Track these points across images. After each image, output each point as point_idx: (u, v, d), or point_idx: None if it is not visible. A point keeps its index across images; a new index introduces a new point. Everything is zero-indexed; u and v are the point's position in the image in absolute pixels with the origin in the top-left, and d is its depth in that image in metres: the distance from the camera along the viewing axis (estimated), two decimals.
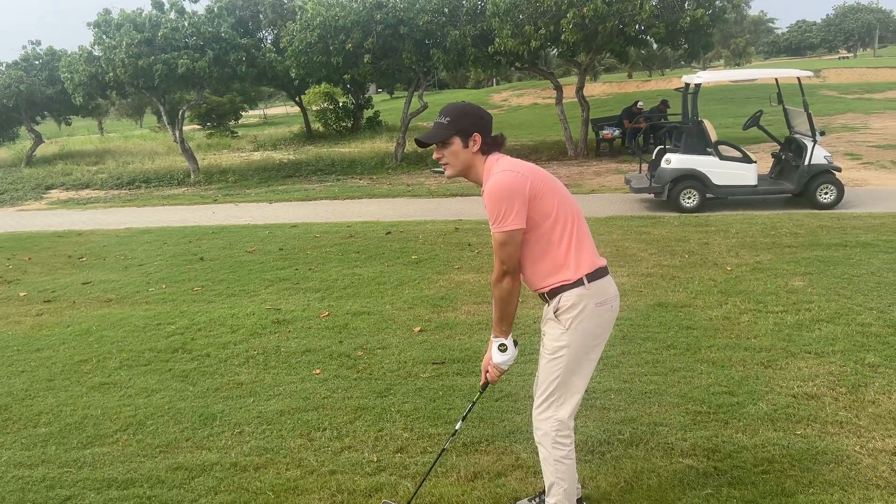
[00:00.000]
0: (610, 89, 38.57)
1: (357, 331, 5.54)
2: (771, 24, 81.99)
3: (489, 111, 2.64)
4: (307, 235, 9.63)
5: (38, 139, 23.63)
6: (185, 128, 17.34)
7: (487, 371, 2.70)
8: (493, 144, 2.53)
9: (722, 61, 70.17)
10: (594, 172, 14.14)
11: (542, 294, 2.56)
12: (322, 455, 3.55)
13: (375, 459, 3.47)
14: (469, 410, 3.01)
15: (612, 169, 14.27)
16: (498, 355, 2.60)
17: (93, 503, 3.23)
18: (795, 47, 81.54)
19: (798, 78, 9.31)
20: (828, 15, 75.52)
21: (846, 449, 3.28)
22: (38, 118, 25.00)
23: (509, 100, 38.79)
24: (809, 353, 4.50)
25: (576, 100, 16.70)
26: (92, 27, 15.39)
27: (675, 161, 9.55)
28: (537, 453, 2.65)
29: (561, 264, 2.48)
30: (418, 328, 5.49)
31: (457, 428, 3.00)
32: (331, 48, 15.20)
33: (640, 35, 14.17)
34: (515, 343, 2.65)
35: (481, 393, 2.89)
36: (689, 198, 9.55)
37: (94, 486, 3.38)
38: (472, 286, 6.60)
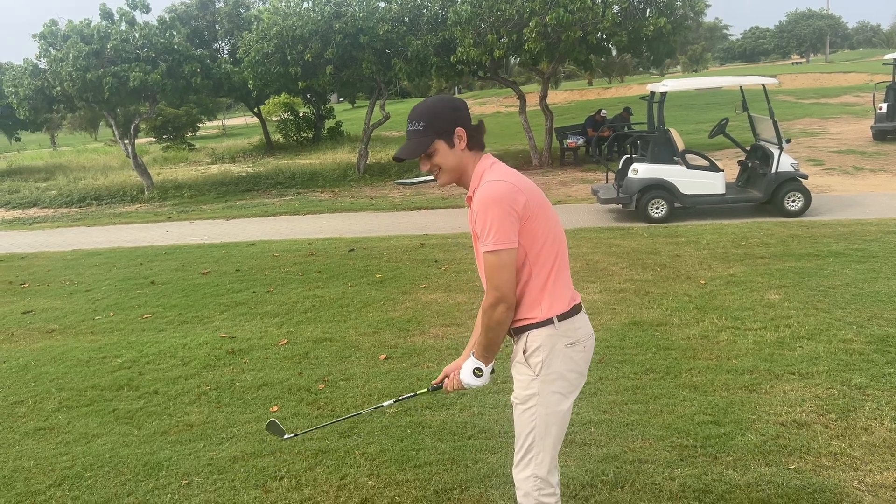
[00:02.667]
0: (571, 97, 38.79)
1: (318, 360, 5.20)
2: (726, 31, 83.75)
3: None
4: (265, 254, 9.24)
5: None
6: (140, 141, 16.77)
7: (448, 377, 2.42)
8: (477, 135, 2.23)
9: (679, 68, 71.33)
10: (560, 182, 13.99)
11: (509, 329, 2.27)
12: None
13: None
14: (407, 398, 2.77)
15: (578, 178, 14.14)
16: (470, 377, 2.30)
17: None
18: (749, 53, 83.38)
19: (763, 85, 9.27)
20: (780, 21, 77.44)
21: (844, 485, 3.07)
22: None
23: (472, 108, 38.62)
24: (793, 374, 4.31)
25: (539, 108, 16.58)
26: (37, 39, 14.75)
27: (642, 171, 9.42)
28: (517, 501, 2.35)
29: (534, 299, 2.20)
30: (384, 356, 5.18)
31: (384, 404, 2.80)
32: (288, 58, 14.82)
33: (603, 43, 14.09)
34: (492, 371, 2.36)
35: (429, 391, 2.61)
36: (657, 208, 9.42)
37: None
38: (440, 307, 6.31)
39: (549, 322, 2.20)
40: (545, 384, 2.22)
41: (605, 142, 14.72)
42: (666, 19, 13.24)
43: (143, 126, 18.63)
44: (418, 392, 2.77)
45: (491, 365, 2.34)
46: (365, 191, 15.03)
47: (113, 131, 17.47)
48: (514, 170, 2.24)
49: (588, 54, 15.19)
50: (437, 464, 3.52)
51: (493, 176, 2.16)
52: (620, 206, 9.84)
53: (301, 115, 27.49)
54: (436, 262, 8.04)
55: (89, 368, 5.34)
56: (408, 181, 15.13)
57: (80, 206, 15.83)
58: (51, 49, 14.73)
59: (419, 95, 53.15)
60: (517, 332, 2.26)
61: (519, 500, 2.31)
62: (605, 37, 13.89)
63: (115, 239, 11.45)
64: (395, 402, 2.84)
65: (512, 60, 20.38)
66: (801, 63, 63.98)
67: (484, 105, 39.01)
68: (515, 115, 16.32)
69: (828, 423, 3.65)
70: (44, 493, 3.53)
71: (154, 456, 3.83)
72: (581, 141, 16.26)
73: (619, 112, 16.64)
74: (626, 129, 14.65)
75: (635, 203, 9.43)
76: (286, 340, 5.67)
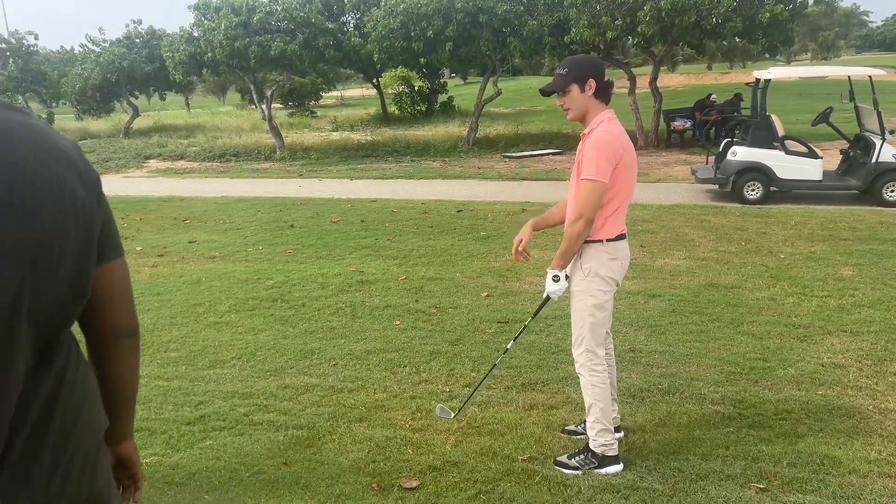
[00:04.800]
0: (687, 80, 37.98)
1: (431, 293, 6.21)
2: (865, 17, 78.33)
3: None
4: (385, 210, 10.38)
5: (136, 112, 25.29)
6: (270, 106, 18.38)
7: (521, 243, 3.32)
8: (605, 88, 3.02)
9: (808, 55, 67.52)
10: (662, 162, 14.40)
11: None
12: (403, 384, 4.24)
13: (448, 390, 4.14)
14: (520, 334, 3.65)
15: (681, 160, 14.49)
16: (551, 284, 3.16)
17: (220, 408, 4.01)
18: (890, 42, 77.59)
19: (870, 76, 9.43)
20: None
21: (859, 407, 3.75)
22: (136, 93, 26.71)
23: None
24: (845, 331, 4.91)
25: (649, 90, 16.90)
26: (192, 10, 16.56)
27: (740, 154, 9.83)
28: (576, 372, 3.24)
29: (598, 227, 3.04)
30: (485, 294, 6.12)
31: (508, 347, 3.66)
32: (412, 34, 15.89)
33: (718, 29, 14.25)
34: (567, 277, 3.19)
35: (532, 318, 3.52)
36: (752, 190, 9.82)
37: (220, 396, 4.17)
38: (535, 261, 7.15)
39: (599, 241, 3.05)
40: (591, 284, 3.08)
41: (711, 125, 14.94)
42: (783, 6, 13.28)
43: (274, 93, 20.36)
44: (526, 324, 3.65)
45: (564, 271, 3.18)
46: (473, 162, 15.97)
47: (252, 96, 19.23)
48: (623, 130, 3.06)
49: (702, 39, 15.37)
50: (524, 367, 4.45)
51: (607, 127, 2.97)
52: (717, 186, 10.29)
53: (416, 88, 28.71)
54: None
55: (248, 285, 6.60)
56: (514, 154, 15.97)
57: (220, 161, 17.70)
58: (203, 19, 16.49)
59: (531, 73, 53.40)
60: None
61: (577, 370, 3.20)
62: (719, 22, 14.06)
63: (256, 190, 12.99)
64: (513, 341, 3.69)
65: (628, 42, 20.62)
66: None
67: None
68: (626, 97, 16.71)
69: (861, 367, 4.28)
70: (229, 362, 4.73)
71: (307, 346, 4.96)
72: (688, 124, 16.48)
73: (731, 97, 16.68)
74: (734, 114, 14.78)
75: (731, 184, 9.86)
76: (404, 276, 6.73)
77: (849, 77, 9.99)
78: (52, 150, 1.06)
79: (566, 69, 3.02)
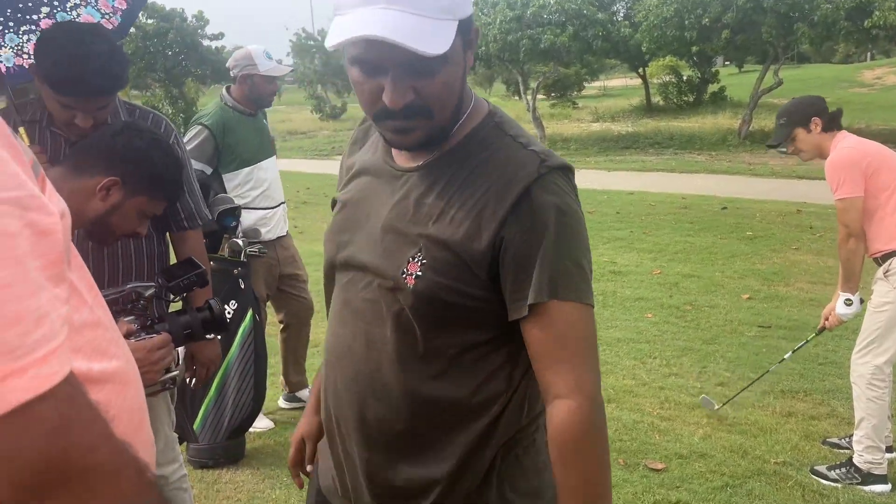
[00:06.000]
0: None
1: (686, 290, 6.13)
2: None
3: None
4: (642, 202, 10.29)
5: None
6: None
7: (828, 318, 3.19)
8: (832, 121, 3.01)
9: None
10: None
11: (876, 258, 2.98)
12: (652, 375, 4.33)
13: (699, 386, 4.14)
14: (801, 346, 3.54)
15: None
16: (842, 308, 3.08)
17: None
18: None
19: None
20: None
21: None
22: None
23: (884, 78, 33.86)
24: None
25: None
26: (475, 6, 17.69)
27: None
28: (852, 381, 3.09)
29: (892, 234, 2.87)
30: (747, 296, 5.88)
31: (786, 357, 3.56)
32: (686, 22, 15.30)
33: None
34: (861, 301, 3.09)
35: (816, 335, 3.41)
36: None
37: None
38: (809, 266, 6.67)
39: None
40: None
41: None
42: None
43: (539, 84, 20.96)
44: (809, 338, 3.56)
45: (858, 294, 3.08)
46: (743, 156, 14.99)
47: (518, 87, 20.01)
48: (863, 138, 3.01)
49: None
50: (786, 374, 4.25)
51: (843, 144, 2.96)
52: None
53: (685, 77, 27.46)
54: (811, 227, 8.19)
55: None
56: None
57: None
58: (480, 14, 17.52)
59: (820, 61, 47.89)
60: (883, 259, 2.97)
61: (853, 379, 3.04)
62: None
63: None
64: (793, 352, 3.67)
65: None
66: None
67: None
68: None
69: None
70: None
71: None
72: None
73: None
74: None
75: None
76: (659, 271, 6.70)
77: None
78: None
79: (784, 118, 3.09)
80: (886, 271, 2.92)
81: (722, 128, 18.52)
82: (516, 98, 33.60)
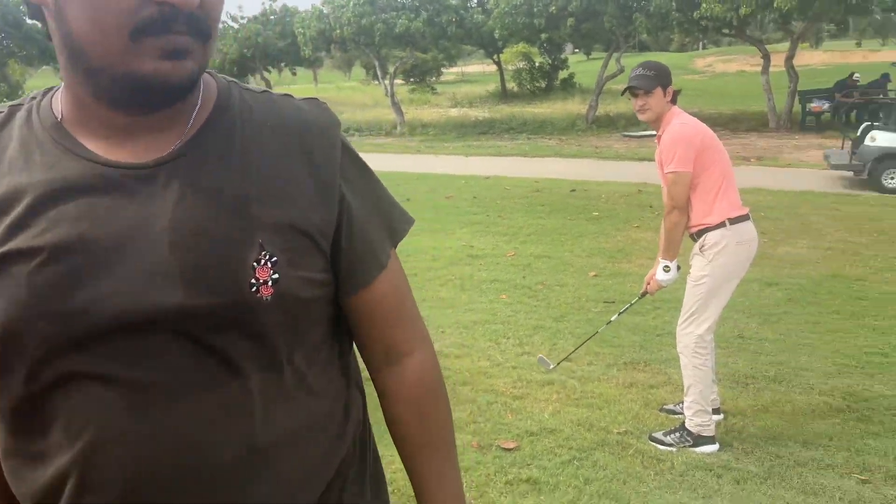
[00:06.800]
0: (830, 59, 35.32)
1: (538, 270, 6.33)
2: None
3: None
4: (498, 187, 10.54)
5: (268, 86, 26.68)
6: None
7: (649, 283, 3.38)
8: (676, 94, 3.18)
9: None
10: (794, 146, 13.63)
11: (692, 234, 3.18)
12: (506, 355, 4.42)
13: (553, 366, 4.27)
14: (626, 309, 3.75)
15: (815, 144, 13.65)
16: (661, 274, 3.26)
17: None
18: None
19: None
20: None
21: None
22: (269, 68, 28.18)
23: (713, 65, 36.93)
24: None
25: (784, 69, 15.95)
26: None
27: (880, 139, 9.18)
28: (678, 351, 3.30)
29: (707, 210, 3.08)
30: (593, 273, 6.17)
31: (612, 319, 3.77)
32: (535, 10, 15.81)
33: (864, 2, 13.21)
34: (678, 267, 3.28)
35: (638, 299, 3.60)
36: (892, 178, 9.16)
37: None
38: (649, 243, 7.10)
39: (722, 225, 3.08)
40: (715, 269, 3.11)
41: (852, 108, 13.93)
42: None
43: (397, 69, 20.91)
44: (632, 302, 3.75)
45: (675, 261, 3.27)
46: (591, 140, 15.78)
47: (376, 72, 19.85)
48: (694, 118, 3.15)
49: (846, 14, 14.30)
50: (628, 346, 4.50)
51: (679, 120, 3.11)
52: (852, 173, 9.66)
53: (537, 64, 28.48)
54: (650, 207, 8.75)
55: None
56: (634, 133, 15.60)
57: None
58: None
59: (658, 49, 51.39)
60: (698, 234, 3.17)
61: (679, 349, 3.25)
62: None
63: (374, 164, 13.30)
64: (618, 315, 3.87)
65: (766, 17, 19.46)
66: None
67: (729, 62, 36.97)
68: (759, 75, 15.86)
69: None
70: None
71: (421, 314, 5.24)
72: (826, 106, 15.44)
73: (877, 78, 15.45)
74: (880, 96, 13.70)
75: (868, 171, 9.24)
76: (513, 253, 6.88)
77: None
78: None
79: (653, 72, 3.11)
80: (702, 246, 3.13)
81: (571, 113, 19.40)
82: (376, 83, 33.40)
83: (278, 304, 0.83)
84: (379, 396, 1.03)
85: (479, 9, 17.93)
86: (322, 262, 0.89)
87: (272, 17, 24.86)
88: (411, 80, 33.43)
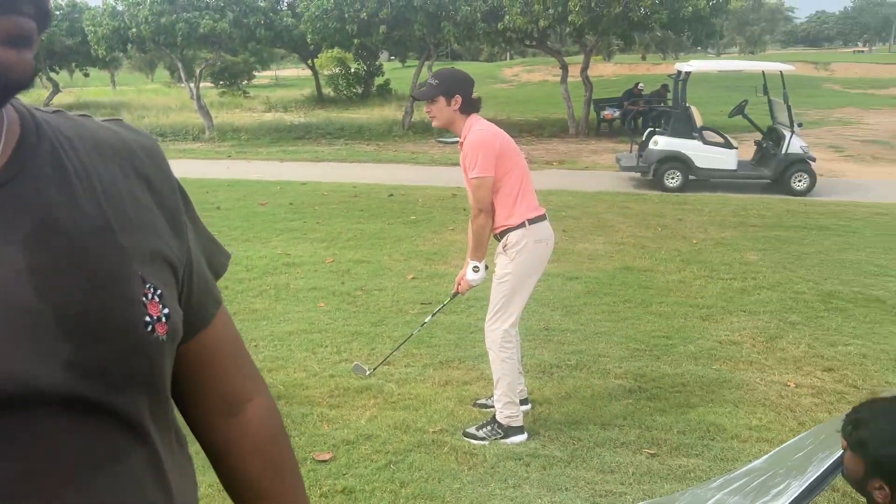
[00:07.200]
0: (620, 70, 38.82)
1: (357, 275, 6.29)
2: (790, 14, 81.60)
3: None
4: (315, 193, 10.36)
5: (56, 88, 24.20)
6: (199, 85, 17.93)
7: (460, 283, 3.47)
8: (471, 105, 3.24)
9: (737, 49, 69.95)
10: (591, 150, 14.80)
11: (496, 234, 3.31)
12: (323, 364, 4.32)
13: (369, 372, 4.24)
14: (439, 310, 3.82)
15: (609, 148, 14.92)
16: (471, 274, 3.36)
17: None
18: (813, 38, 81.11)
19: (781, 71, 9.94)
20: (846, 7, 75.06)
21: (748, 380, 4.05)
22: (57, 68, 25.55)
23: (520, 75, 39.13)
24: (744, 311, 5.25)
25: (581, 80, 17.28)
26: None
27: (661, 143, 10.23)
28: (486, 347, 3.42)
29: (509, 213, 3.22)
30: (411, 276, 6.24)
31: (426, 320, 3.82)
32: (346, 15, 15.76)
33: (644, 20, 14.69)
34: (486, 267, 3.40)
35: (451, 299, 3.69)
36: (672, 178, 10.25)
37: None
38: (463, 244, 7.23)
39: (522, 225, 3.23)
40: (516, 266, 3.25)
41: (638, 115, 15.42)
42: (706, 1, 13.80)
43: (203, 71, 19.88)
44: (445, 303, 3.82)
45: (483, 262, 3.39)
46: (407, 146, 16.03)
47: (180, 74, 18.69)
48: (492, 123, 3.29)
49: (629, 30, 15.81)
50: (443, 345, 4.60)
51: (478, 127, 3.22)
52: (639, 174, 10.68)
53: (352, 70, 28.47)
54: (464, 210, 9.03)
55: None
56: (447, 140, 16.11)
57: None
58: None
59: (470, 59, 53.57)
60: (501, 235, 3.30)
61: (487, 345, 3.37)
62: (646, 13, 14.49)
63: (182, 170, 12.52)
64: (432, 316, 3.93)
65: (564, 30, 20.97)
66: (863, 52, 62.27)
67: (532, 72, 39.35)
68: (558, 85, 17.06)
69: (755, 343, 4.61)
70: None
71: None
72: (617, 113, 16.96)
73: (658, 88, 17.24)
74: (660, 104, 15.30)
75: (653, 172, 10.26)
76: (332, 259, 6.78)
77: (762, 72, 10.50)
78: None
79: (437, 80, 3.21)
80: (505, 245, 3.28)
81: (388, 119, 19.59)
82: (181, 85, 31.52)
83: (170, 344, 0.72)
84: (215, 456, 0.91)
85: (290, 11, 17.54)
86: (177, 298, 0.77)
87: (58, 12, 22.58)
88: (221, 82, 31.95)
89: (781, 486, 1.58)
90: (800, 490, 1.47)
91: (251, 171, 12.54)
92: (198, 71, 17.63)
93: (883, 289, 5.71)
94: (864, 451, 1.35)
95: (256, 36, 16.31)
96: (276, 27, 16.89)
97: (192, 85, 17.53)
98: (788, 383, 3.98)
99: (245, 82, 33.84)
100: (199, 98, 17.45)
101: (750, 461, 3.09)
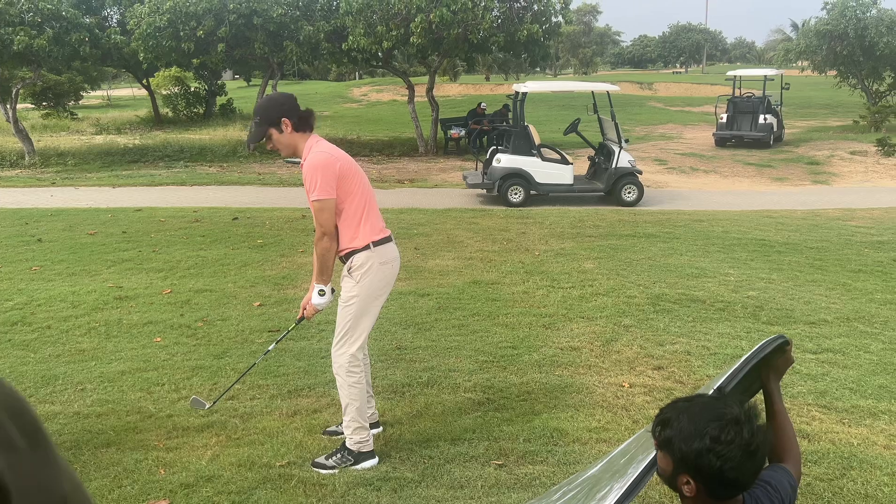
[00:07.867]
0: (465, 90, 40.12)
1: (198, 305, 5.96)
2: (616, 37, 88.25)
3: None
4: (152, 219, 9.74)
5: None
6: (18, 106, 16.33)
7: (305, 308, 3.37)
8: (303, 120, 3.17)
9: (571, 70, 74.65)
10: (440, 169, 15.10)
11: (341, 256, 3.26)
12: (160, 404, 4.04)
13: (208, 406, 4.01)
14: (283, 337, 3.71)
15: (457, 166, 15.30)
16: (317, 298, 3.28)
17: None
18: (637, 60, 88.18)
19: (608, 91, 10.70)
20: (664, 32, 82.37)
21: (587, 383, 4.26)
22: None
23: (369, 94, 39.26)
24: (582, 318, 5.54)
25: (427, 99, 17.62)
26: None
27: (504, 161, 10.64)
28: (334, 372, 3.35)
29: (353, 235, 3.19)
30: (258, 303, 6.01)
31: (269, 349, 3.71)
32: (181, 34, 15.06)
33: (483, 43, 15.26)
34: (332, 290, 3.33)
35: (296, 325, 3.58)
36: (515, 194, 10.68)
37: None
38: (312, 267, 7.17)
39: (367, 247, 3.20)
40: (362, 289, 3.21)
41: (482, 134, 15.97)
42: (538, 26, 14.59)
43: (21, 92, 18.16)
44: (290, 329, 3.70)
45: (329, 285, 3.32)
46: (253, 167, 15.54)
47: None
48: (332, 144, 3.25)
49: (471, 52, 16.36)
50: (292, 374, 4.45)
51: (317, 149, 3.16)
52: (485, 190, 11.04)
53: (192, 89, 27.24)
54: (314, 231, 8.87)
55: None
56: (294, 160, 15.78)
57: None
58: None
59: (318, 78, 53.05)
60: (346, 257, 3.25)
61: (335, 370, 3.30)
62: (485, 36, 15.06)
63: None
64: (276, 343, 3.79)
65: (408, 51, 21.34)
66: (680, 73, 68.67)
67: (381, 92, 39.62)
68: (406, 105, 17.29)
69: (592, 348, 4.87)
70: None
71: (50, 371, 4.52)
72: (463, 132, 17.46)
73: (500, 108, 17.95)
74: (502, 123, 15.94)
75: (497, 189, 10.64)
76: (170, 290, 6.38)
77: (592, 92, 11.25)
78: None
79: (258, 117, 3.16)
80: (350, 268, 3.24)
81: (232, 139, 18.90)
82: None
83: None
84: None
85: (119, 29, 16.46)
86: None
87: None
88: (44, 103, 29.38)
89: (605, 490, 1.65)
90: (620, 492, 1.54)
91: (80, 199, 11.57)
92: (13, 91, 16.04)
93: (703, 289, 6.25)
94: (671, 448, 1.44)
95: (81, 54, 15.12)
96: (102, 45, 15.77)
97: (7, 106, 15.94)
98: (623, 384, 4.23)
99: (72, 103, 31.34)
100: (16, 121, 15.89)
101: (590, 462, 3.24)
